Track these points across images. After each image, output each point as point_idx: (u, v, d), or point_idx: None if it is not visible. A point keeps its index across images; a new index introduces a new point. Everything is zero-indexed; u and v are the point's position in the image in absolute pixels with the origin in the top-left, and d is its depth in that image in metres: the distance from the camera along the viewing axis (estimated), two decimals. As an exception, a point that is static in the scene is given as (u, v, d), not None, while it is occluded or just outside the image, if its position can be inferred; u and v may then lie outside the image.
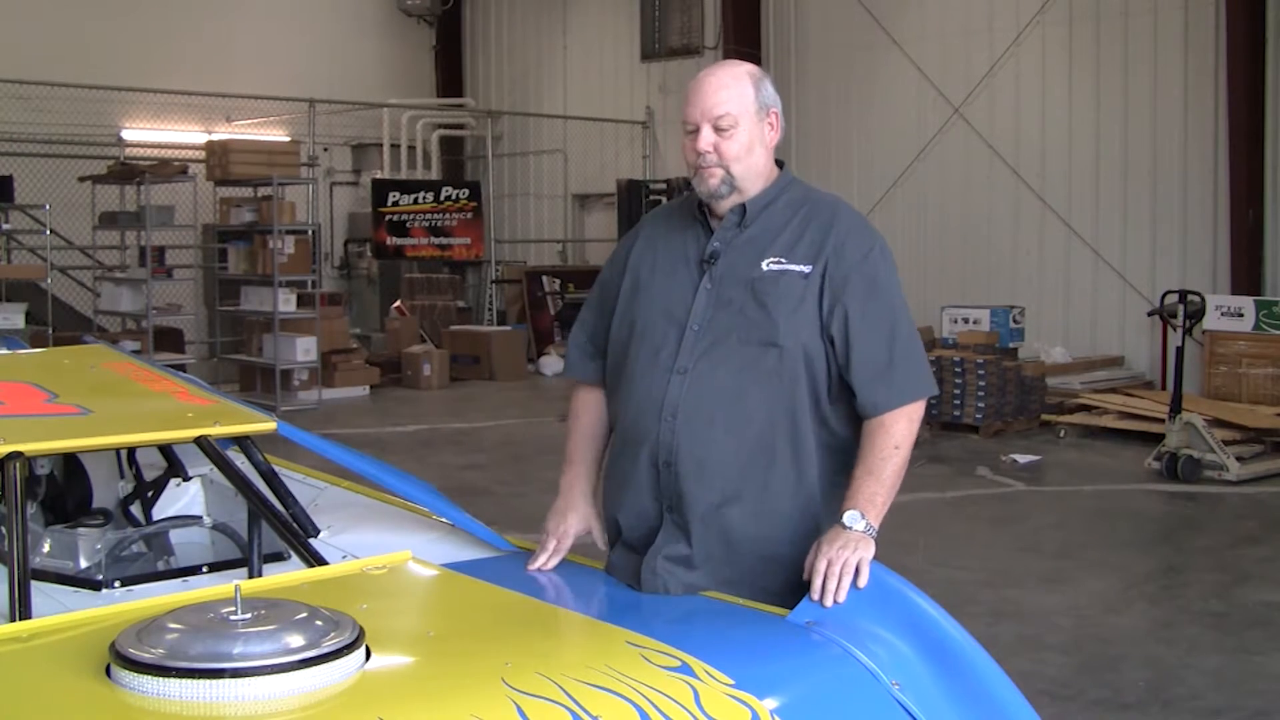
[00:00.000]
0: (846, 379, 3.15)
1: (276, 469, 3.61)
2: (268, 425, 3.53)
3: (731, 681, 2.40)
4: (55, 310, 15.92)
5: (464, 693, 2.25)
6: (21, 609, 2.77)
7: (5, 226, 15.78)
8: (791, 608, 2.78)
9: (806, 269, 3.18)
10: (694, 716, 2.27)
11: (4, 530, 3.27)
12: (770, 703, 2.35)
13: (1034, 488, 10.74)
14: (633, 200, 19.32)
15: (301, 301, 15.71)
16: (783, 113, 3.31)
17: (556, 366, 18.65)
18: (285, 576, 2.96)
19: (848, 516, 2.90)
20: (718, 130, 3.19)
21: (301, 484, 4.06)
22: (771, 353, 3.13)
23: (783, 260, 3.20)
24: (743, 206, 3.25)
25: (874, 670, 2.52)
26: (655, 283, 3.31)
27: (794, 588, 2.93)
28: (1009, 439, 12.73)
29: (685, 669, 2.42)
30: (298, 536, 3.29)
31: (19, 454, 3.08)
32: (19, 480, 3.02)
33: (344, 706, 2.19)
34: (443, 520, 3.62)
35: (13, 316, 14.14)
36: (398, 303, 19.74)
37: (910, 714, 2.47)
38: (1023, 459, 11.70)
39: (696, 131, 3.21)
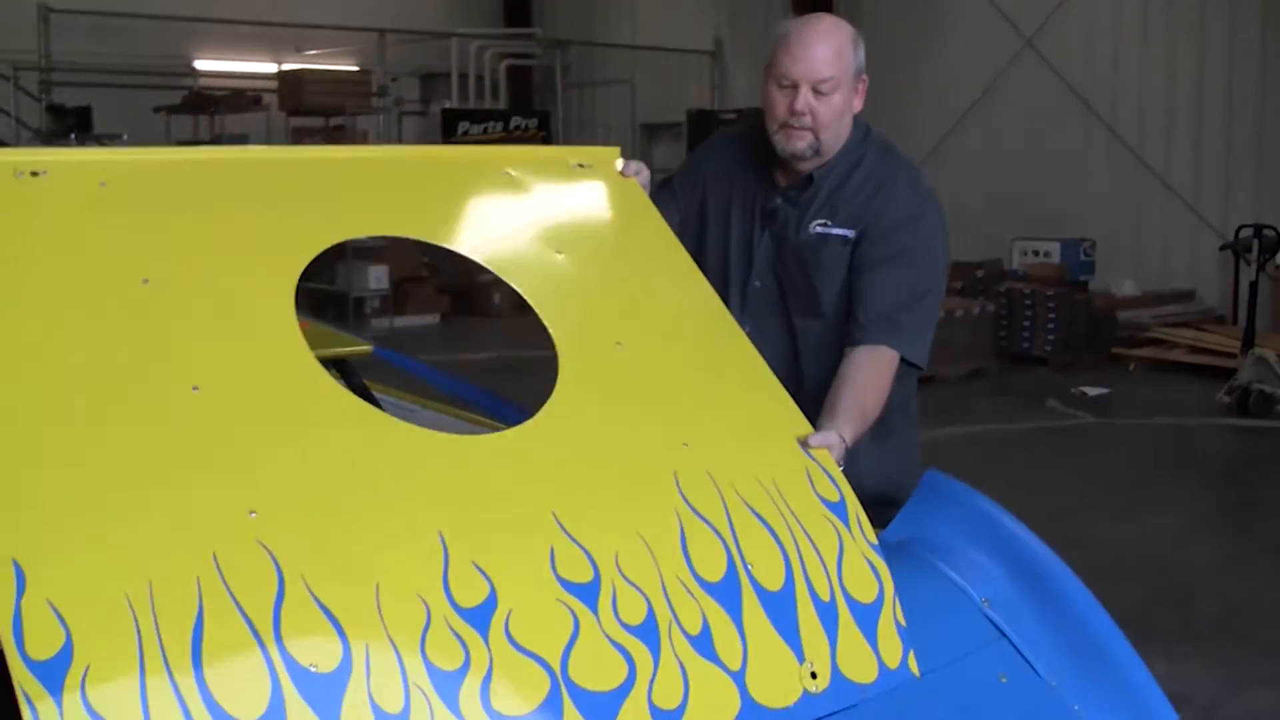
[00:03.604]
0: (851, 316, 3.13)
1: None
2: (365, 349, 3.63)
3: (873, 540, 2.54)
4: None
5: (636, 501, 2.35)
6: None
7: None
8: None
9: (849, 234, 3.19)
10: (831, 580, 2.41)
11: None
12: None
13: (1104, 420, 10.74)
14: (702, 130, 19.30)
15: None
16: None
17: (624, 296, 18.72)
18: None
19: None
20: (817, 92, 3.11)
21: (395, 406, 4.12)
22: (816, 324, 3.18)
23: (828, 223, 3.20)
24: (810, 176, 3.24)
25: (964, 588, 2.59)
26: (718, 222, 3.34)
27: None
28: (1078, 372, 12.68)
29: (841, 509, 2.57)
30: None
31: None
32: None
33: (513, 490, 2.26)
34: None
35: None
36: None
37: (1000, 630, 2.54)
38: (1092, 392, 11.67)
39: (793, 88, 3.12)
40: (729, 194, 3.35)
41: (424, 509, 2.13)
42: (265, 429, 2.13)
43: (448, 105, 20.77)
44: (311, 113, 16.27)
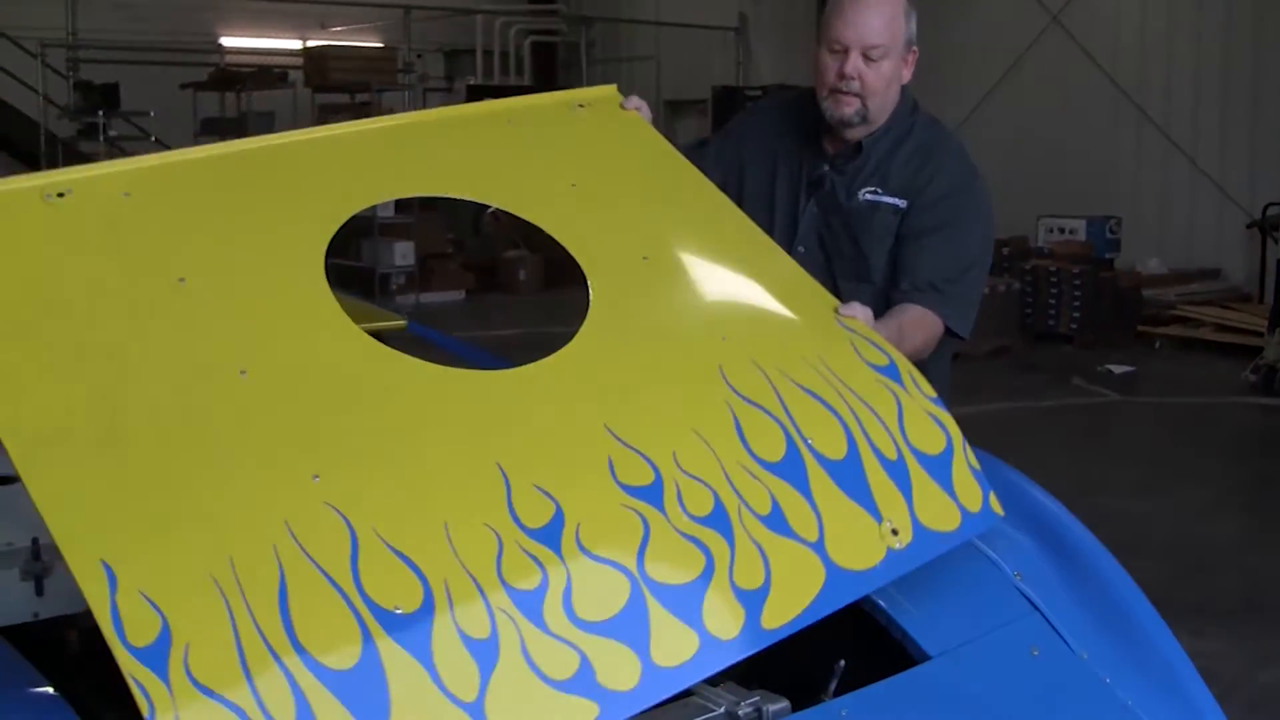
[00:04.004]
0: (896, 285, 3.18)
1: None
2: (399, 323, 3.66)
3: (933, 394, 2.60)
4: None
5: (686, 399, 2.43)
6: None
7: (111, 133, 16.07)
8: None
9: (901, 203, 3.22)
10: (894, 438, 2.47)
11: None
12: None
13: (1129, 398, 10.75)
14: (727, 107, 19.27)
15: (399, 206, 15.90)
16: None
17: (648, 273, 18.75)
18: None
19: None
20: (866, 58, 3.14)
21: None
22: (865, 289, 3.18)
23: (878, 190, 3.24)
24: (859, 144, 3.27)
25: (996, 561, 2.61)
26: (759, 187, 3.37)
27: None
28: (1104, 350, 12.68)
29: (892, 371, 2.63)
30: None
31: None
32: None
33: (563, 411, 2.33)
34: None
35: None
36: (493, 208, 19.84)
37: (1031, 603, 2.56)
38: (1118, 369, 11.68)
39: (843, 53, 3.15)
40: (772, 160, 3.38)
41: (479, 444, 2.20)
42: (313, 396, 2.21)
43: (472, 82, 20.79)
44: (337, 89, 16.31)
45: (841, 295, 3.13)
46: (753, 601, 2.14)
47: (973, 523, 2.48)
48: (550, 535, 2.06)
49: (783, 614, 2.16)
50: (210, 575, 1.82)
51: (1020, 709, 2.39)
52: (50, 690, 1.88)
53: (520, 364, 2.41)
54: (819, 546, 2.27)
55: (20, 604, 2.49)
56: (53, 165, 16.80)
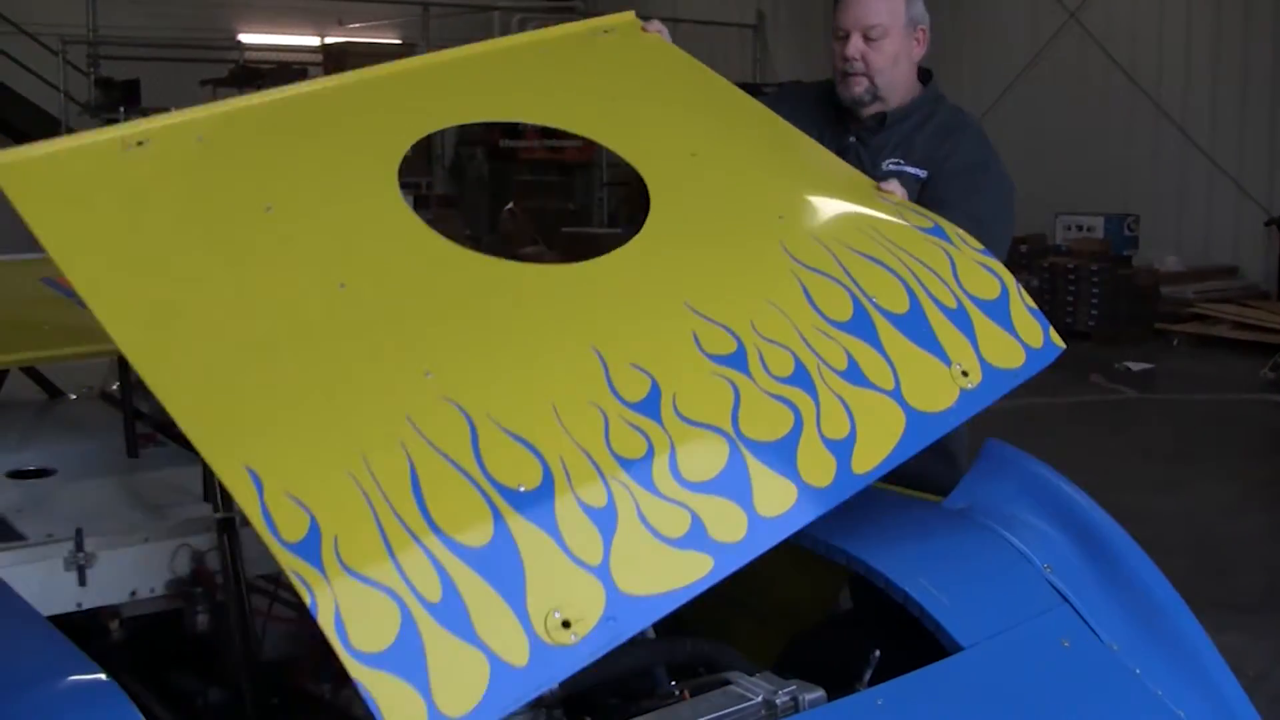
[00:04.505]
0: None
1: None
2: None
3: (980, 247, 2.75)
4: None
5: (754, 274, 2.59)
6: (216, 488, 2.81)
7: (133, 128, 16.10)
8: None
9: (922, 173, 3.31)
10: (952, 289, 2.61)
11: None
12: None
13: (1148, 395, 10.76)
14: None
15: (418, 203, 15.95)
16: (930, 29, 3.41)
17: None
18: None
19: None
20: (867, 39, 3.31)
21: None
22: None
23: (901, 161, 3.33)
24: (883, 114, 3.38)
25: (1026, 554, 2.63)
26: None
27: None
28: (1121, 347, 12.69)
29: (938, 231, 2.81)
30: None
31: None
32: None
33: (644, 293, 2.48)
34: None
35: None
36: (511, 205, 19.90)
37: (1062, 595, 2.57)
38: (1136, 367, 11.69)
39: (846, 37, 3.33)
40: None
41: (572, 330, 2.34)
42: (411, 301, 2.34)
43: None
44: (356, 86, 16.36)
45: None
46: (842, 450, 2.30)
47: (1037, 358, 2.64)
48: (650, 407, 2.20)
49: (871, 458, 2.33)
50: (348, 472, 1.94)
51: (1052, 700, 2.41)
52: (103, 677, 1.91)
53: None
54: (896, 394, 2.42)
55: (64, 594, 2.54)
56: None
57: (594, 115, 3.01)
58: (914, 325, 2.54)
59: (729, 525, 2.11)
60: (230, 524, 2.68)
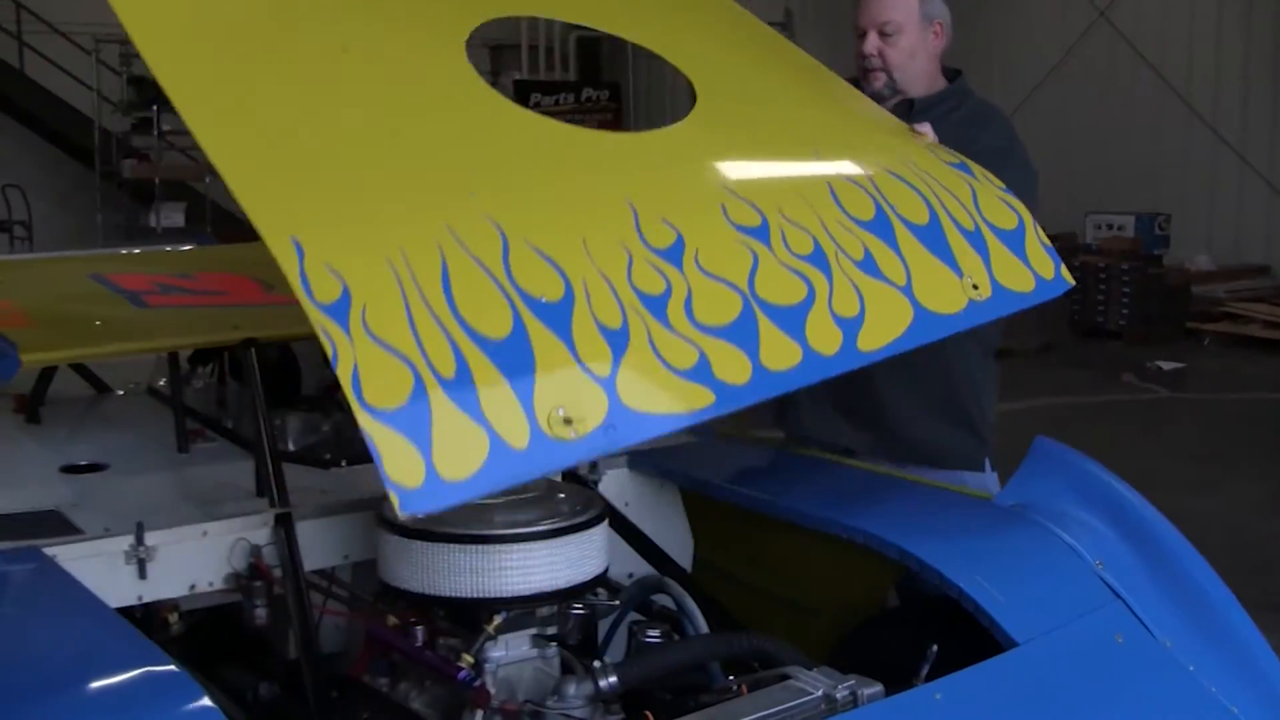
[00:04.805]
0: None
1: None
2: None
3: (1002, 185, 2.90)
4: (203, 210, 16.33)
5: (787, 171, 2.80)
6: (276, 485, 2.81)
7: (165, 127, 16.19)
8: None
9: None
10: (971, 213, 2.74)
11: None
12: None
13: (1180, 395, 10.73)
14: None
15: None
16: (950, 24, 3.55)
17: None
18: None
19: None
20: (882, 36, 3.46)
21: None
22: None
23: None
24: (910, 101, 3.49)
25: (1078, 550, 2.64)
26: None
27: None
28: (1152, 346, 12.66)
29: (964, 167, 2.96)
30: None
31: (254, 340, 3.21)
32: (255, 364, 3.13)
33: (682, 166, 2.68)
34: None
35: (174, 215, 14.56)
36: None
37: (1114, 592, 2.58)
38: (1167, 366, 11.65)
39: (864, 35, 3.48)
40: None
41: (612, 183, 2.51)
42: (468, 137, 2.51)
43: (518, 77, 20.84)
44: (386, 84, 16.39)
45: None
46: (849, 327, 2.44)
47: (1046, 288, 2.77)
48: (673, 255, 2.34)
49: (877, 340, 2.46)
50: (385, 258, 2.09)
51: (1107, 695, 2.42)
52: (177, 669, 1.94)
53: None
54: (907, 290, 2.56)
55: (125, 588, 2.56)
56: (106, 160, 17.00)
57: (645, 22, 3.22)
58: (931, 236, 2.67)
59: (734, 368, 2.24)
60: (288, 518, 2.70)
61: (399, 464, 1.88)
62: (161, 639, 2.58)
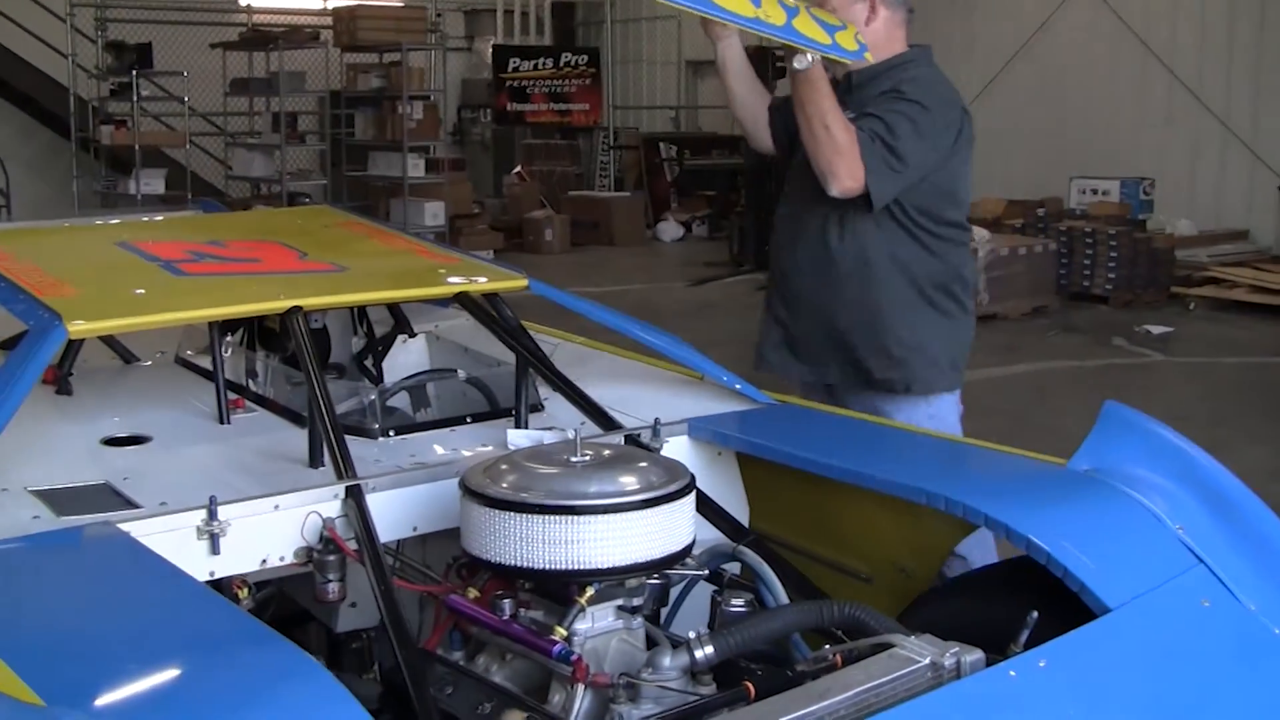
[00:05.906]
0: None
1: None
2: (520, 282, 3.62)
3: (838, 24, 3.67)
4: (181, 177, 16.16)
5: None
6: (337, 454, 2.78)
7: (144, 93, 16.00)
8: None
9: (852, 115, 3.69)
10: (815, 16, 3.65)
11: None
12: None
13: (1173, 359, 10.74)
14: (754, 67, 19.12)
15: (429, 167, 15.89)
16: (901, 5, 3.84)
17: (675, 232, 18.87)
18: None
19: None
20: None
21: (560, 347, 4.09)
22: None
23: (851, 115, 3.66)
24: (848, 76, 3.78)
25: (1159, 515, 2.62)
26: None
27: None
28: (1139, 310, 12.66)
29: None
30: (566, 382, 3.32)
31: (299, 308, 3.18)
32: (305, 332, 3.12)
33: None
34: (694, 374, 3.69)
35: (154, 181, 14.43)
36: (518, 168, 19.83)
37: (1197, 556, 2.56)
38: (1156, 330, 11.65)
39: None
40: None
41: None
42: None
43: (494, 41, 20.73)
44: (366, 48, 16.25)
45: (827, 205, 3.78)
46: (829, 30, 3.49)
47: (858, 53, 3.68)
48: None
49: (848, 44, 3.52)
50: None
51: (1197, 660, 2.41)
52: (300, 651, 1.90)
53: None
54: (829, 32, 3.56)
55: (197, 563, 2.51)
56: (82, 128, 16.82)
57: None
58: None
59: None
60: (358, 491, 2.66)
61: None
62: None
